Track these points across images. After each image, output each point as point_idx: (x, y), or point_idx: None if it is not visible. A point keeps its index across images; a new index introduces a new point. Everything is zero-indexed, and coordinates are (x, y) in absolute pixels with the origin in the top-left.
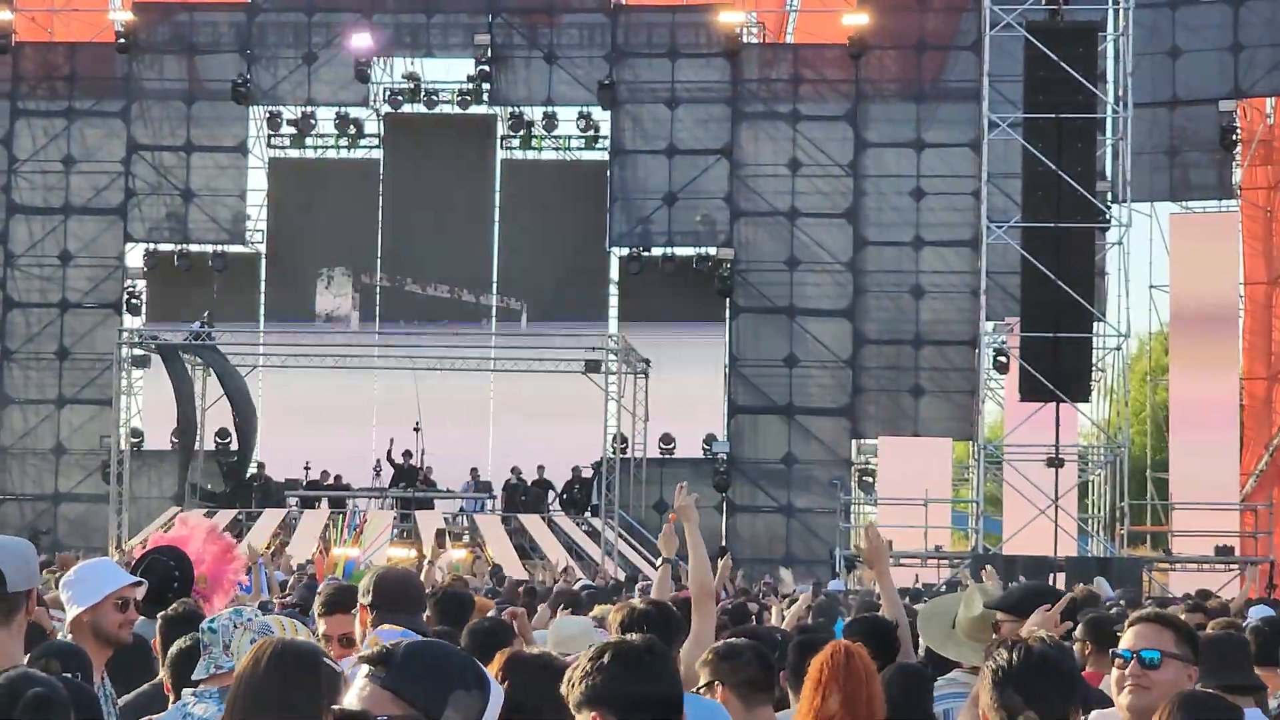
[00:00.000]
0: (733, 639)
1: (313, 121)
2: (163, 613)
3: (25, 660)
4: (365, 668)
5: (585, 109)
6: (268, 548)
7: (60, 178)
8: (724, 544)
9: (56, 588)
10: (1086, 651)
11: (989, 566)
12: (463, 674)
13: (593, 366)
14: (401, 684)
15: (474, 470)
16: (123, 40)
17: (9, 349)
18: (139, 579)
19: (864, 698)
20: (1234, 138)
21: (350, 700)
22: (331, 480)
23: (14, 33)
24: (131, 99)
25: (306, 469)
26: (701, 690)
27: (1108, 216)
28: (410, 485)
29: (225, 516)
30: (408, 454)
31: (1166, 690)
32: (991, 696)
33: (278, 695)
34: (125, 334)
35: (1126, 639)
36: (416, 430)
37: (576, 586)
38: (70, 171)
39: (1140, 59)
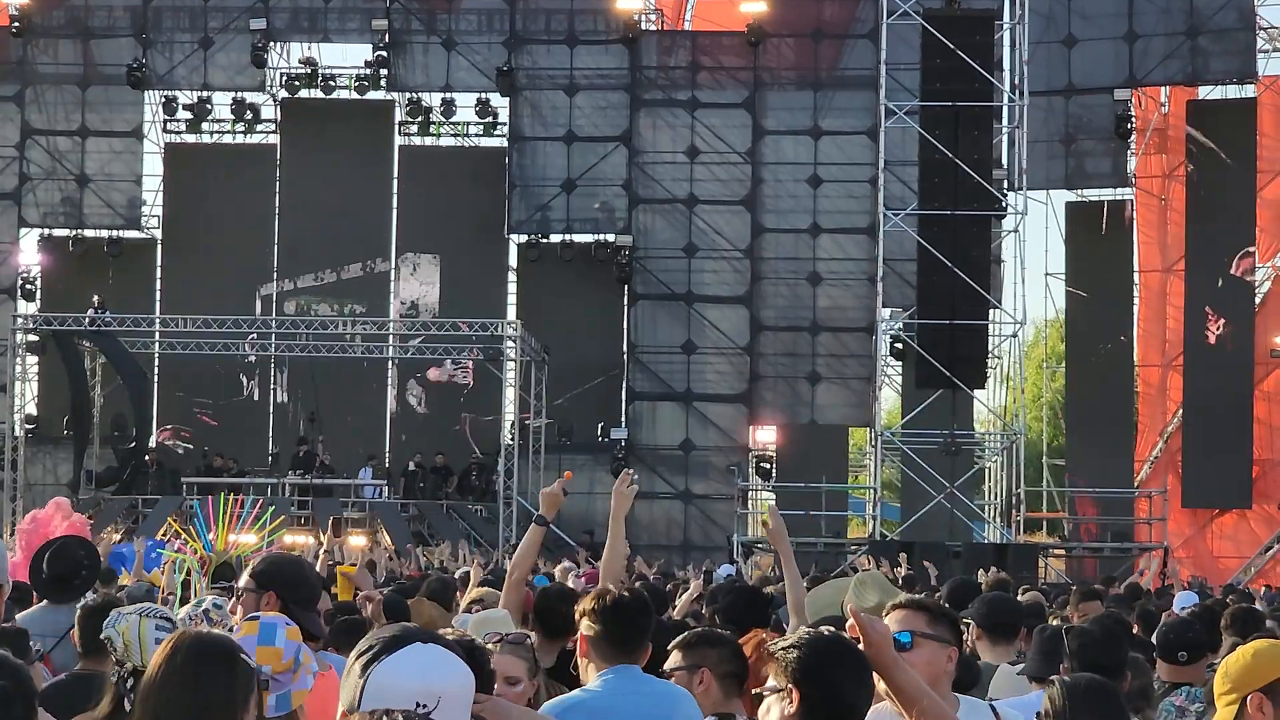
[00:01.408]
0: (711, 629)
1: (209, 106)
2: (83, 603)
3: None
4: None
5: (484, 95)
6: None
7: None
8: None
9: None
10: (979, 637)
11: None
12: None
13: (491, 355)
14: None
15: (371, 458)
16: (17, 24)
17: None
18: None
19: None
20: (1129, 126)
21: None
22: (224, 465)
23: None
24: (26, 83)
25: (205, 454)
26: (677, 674)
27: (1004, 204)
28: (308, 472)
29: (121, 503)
30: (303, 440)
31: (923, 670)
32: None
33: (191, 694)
34: (20, 320)
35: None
36: (312, 420)
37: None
38: None
39: (1036, 47)
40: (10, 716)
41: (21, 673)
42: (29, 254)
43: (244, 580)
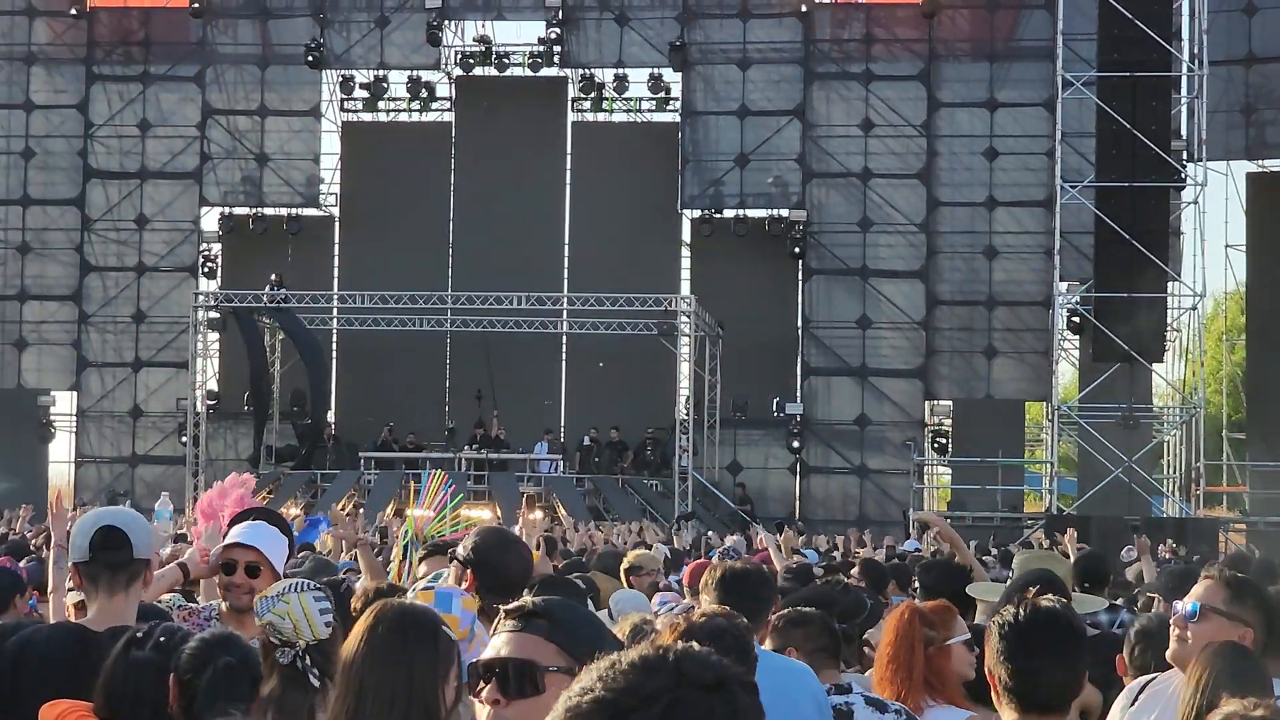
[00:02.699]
0: (801, 607)
1: (385, 85)
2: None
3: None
4: (513, 621)
5: (656, 70)
6: (343, 508)
7: (136, 142)
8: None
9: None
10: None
11: (1071, 530)
12: (604, 634)
13: (665, 329)
14: (566, 638)
15: (548, 432)
16: (196, 5)
17: (86, 313)
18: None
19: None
20: None
21: (504, 649)
22: (407, 442)
23: None
24: (206, 64)
25: (390, 429)
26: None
27: (1183, 175)
28: (484, 448)
29: (300, 478)
30: (480, 422)
31: (1199, 643)
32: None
33: (396, 666)
34: (201, 297)
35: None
36: (478, 399)
37: (655, 550)
38: (146, 136)
39: (1216, 16)
40: (238, 693)
41: (249, 651)
42: (210, 232)
43: (460, 552)
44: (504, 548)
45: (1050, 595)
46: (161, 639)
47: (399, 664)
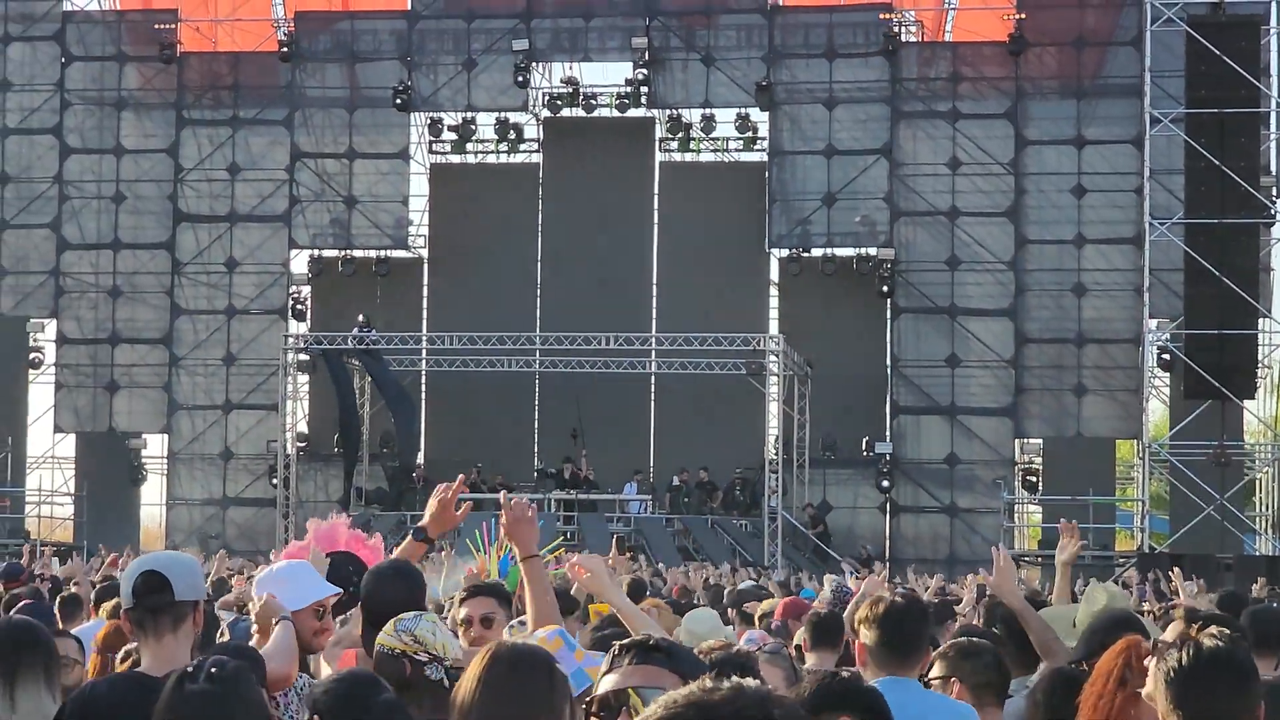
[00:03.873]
0: (974, 638)
1: (473, 127)
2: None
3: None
4: (631, 654)
5: (743, 110)
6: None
7: (226, 186)
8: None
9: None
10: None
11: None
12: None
13: (754, 369)
14: (686, 668)
15: (637, 472)
16: (285, 49)
17: (177, 355)
18: (339, 589)
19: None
20: None
21: (628, 681)
22: (496, 484)
23: (179, 43)
24: (294, 107)
25: (478, 470)
26: (934, 683)
27: (1273, 211)
28: (573, 488)
29: (390, 519)
30: (568, 459)
31: None
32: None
33: (515, 704)
34: (290, 339)
35: None
36: (574, 437)
37: (743, 586)
38: (235, 179)
39: None
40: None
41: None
42: (299, 274)
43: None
44: (385, 579)
45: (1214, 630)
46: (213, 669)
47: (519, 702)
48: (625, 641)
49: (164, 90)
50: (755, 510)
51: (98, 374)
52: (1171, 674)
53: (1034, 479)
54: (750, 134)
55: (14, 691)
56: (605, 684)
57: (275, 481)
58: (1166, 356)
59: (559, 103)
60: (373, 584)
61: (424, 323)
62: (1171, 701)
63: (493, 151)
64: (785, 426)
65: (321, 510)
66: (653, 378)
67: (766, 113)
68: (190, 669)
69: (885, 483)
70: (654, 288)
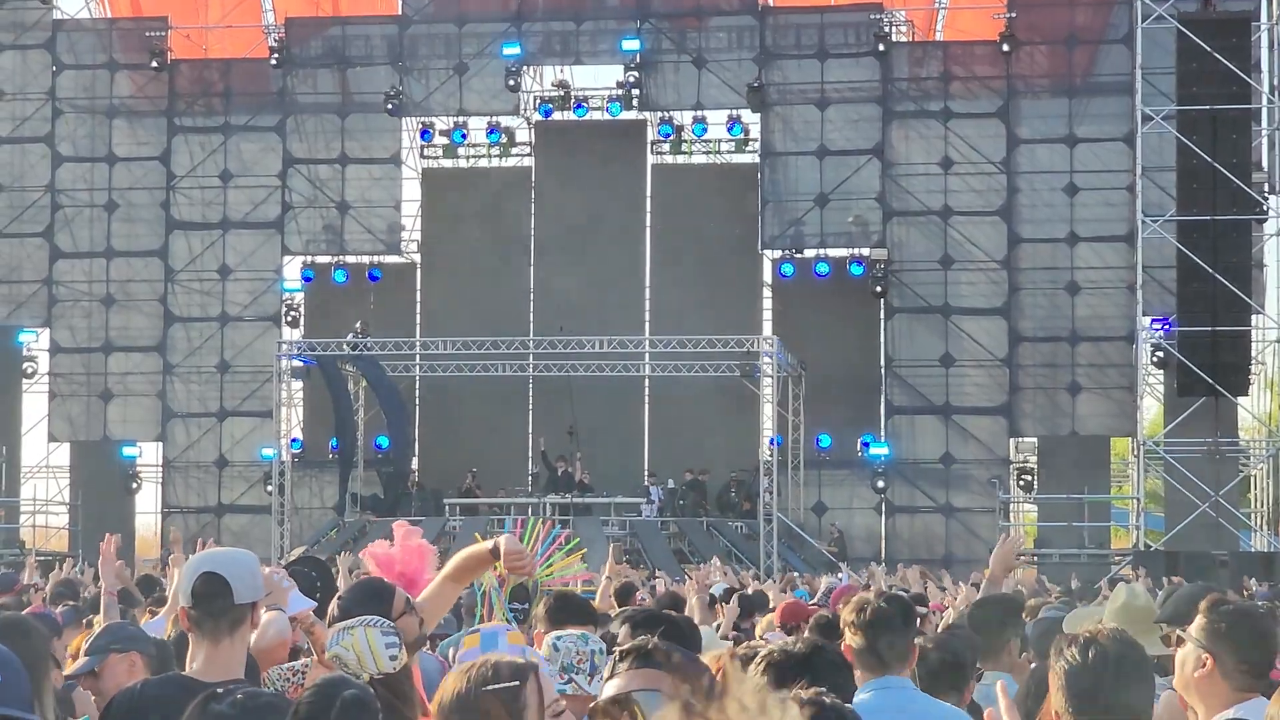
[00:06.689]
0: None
1: (465, 132)
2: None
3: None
4: (630, 658)
5: (735, 112)
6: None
7: (218, 193)
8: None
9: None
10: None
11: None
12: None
13: (748, 371)
14: (684, 668)
15: (652, 475)
16: (276, 55)
17: (171, 363)
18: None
19: None
20: None
21: (628, 685)
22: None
23: (170, 51)
24: (286, 113)
25: (473, 474)
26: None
27: (1265, 208)
28: (567, 492)
29: (386, 525)
30: (563, 459)
31: None
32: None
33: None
34: (284, 346)
35: None
36: (570, 434)
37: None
38: (227, 186)
39: None
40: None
41: (367, 689)
42: (292, 281)
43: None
44: (356, 600)
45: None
46: (240, 696)
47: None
48: (625, 647)
49: (155, 98)
50: (751, 512)
51: (91, 382)
52: (1066, 672)
53: (1029, 478)
54: (742, 135)
55: None
56: (607, 690)
57: (270, 489)
58: (1160, 354)
59: (550, 106)
60: (347, 600)
61: (417, 328)
62: (1066, 699)
63: (485, 156)
64: (779, 428)
65: (316, 516)
66: (647, 380)
67: (758, 114)
68: (220, 690)
69: (880, 483)
70: (647, 290)
